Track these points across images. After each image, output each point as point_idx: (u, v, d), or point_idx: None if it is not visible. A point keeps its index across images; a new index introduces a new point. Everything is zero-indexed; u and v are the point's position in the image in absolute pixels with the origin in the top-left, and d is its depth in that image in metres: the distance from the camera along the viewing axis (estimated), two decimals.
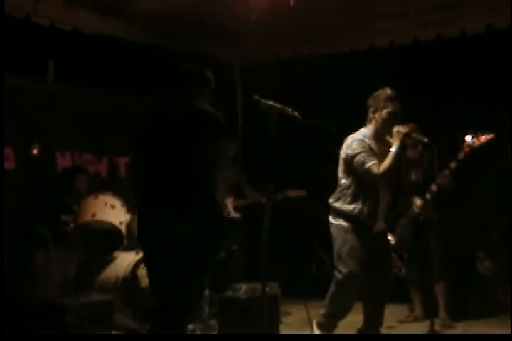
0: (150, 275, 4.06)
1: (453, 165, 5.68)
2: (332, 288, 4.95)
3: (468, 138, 5.51)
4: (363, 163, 4.69)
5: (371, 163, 4.67)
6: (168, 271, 3.88)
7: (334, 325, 5.04)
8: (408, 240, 5.97)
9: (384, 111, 4.80)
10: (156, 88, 4.17)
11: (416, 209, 5.99)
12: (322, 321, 5.04)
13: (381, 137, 4.89)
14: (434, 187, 5.80)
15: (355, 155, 4.74)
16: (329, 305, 4.98)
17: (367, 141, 4.81)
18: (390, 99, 4.79)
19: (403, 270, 6.06)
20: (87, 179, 6.39)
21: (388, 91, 4.82)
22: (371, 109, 4.87)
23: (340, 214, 4.89)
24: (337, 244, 4.91)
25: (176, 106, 4.06)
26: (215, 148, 3.89)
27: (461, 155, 5.59)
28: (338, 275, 4.88)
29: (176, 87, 4.13)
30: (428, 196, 5.82)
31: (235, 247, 6.17)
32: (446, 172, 5.72)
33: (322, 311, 5.05)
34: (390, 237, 5.47)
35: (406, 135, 4.73)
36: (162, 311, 3.92)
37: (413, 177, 6.14)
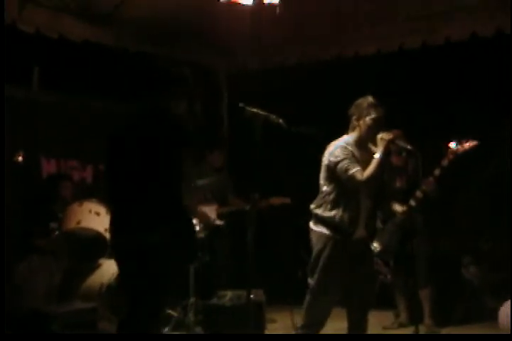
0: (119, 285, 4.07)
1: (437, 172, 5.71)
2: (307, 297, 4.92)
3: (452, 145, 5.55)
4: (347, 170, 4.70)
5: (355, 170, 4.68)
6: (133, 282, 3.88)
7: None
8: (394, 246, 5.98)
9: (368, 118, 4.80)
10: (139, 94, 4.11)
11: (398, 216, 6.00)
12: (301, 333, 4.99)
13: (364, 144, 4.89)
14: (419, 194, 5.82)
15: (339, 162, 4.74)
16: (306, 315, 4.94)
17: (349, 148, 4.81)
18: (372, 105, 4.80)
19: (389, 276, 6.09)
20: (72, 186, 6.39)
21: (370, 98, 4.83)
22: (354, 117, 4.86)
23: (321, 220, 4.88)
24: (316, 250, 4.89)
25: (143, 115, 4.00)
26: (181, 158, 3.88)
27: (444, 162, 5.63)
28: (312, 285, 4.88)
29: (150, 91, 4.05)
30: (413, 202, 5.84)
31: (207, 258, 6.16)
32: (431, 179, 5.75)
33: (300, 323, 5.00)
34: (375, 244, 5.48)
35: (390, 142, 4.74)
36: (125, 321, 3.94)
37: (397, 184, 6.17)
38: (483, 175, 6.94)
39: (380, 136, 4.74)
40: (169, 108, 4.00)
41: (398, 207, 5.97)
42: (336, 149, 4.80)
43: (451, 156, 5.57)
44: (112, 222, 4.02)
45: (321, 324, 4.96)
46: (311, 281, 4.90)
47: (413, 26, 6.65)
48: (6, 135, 6.34)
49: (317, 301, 4.88)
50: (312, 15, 6.64)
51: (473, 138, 5.52)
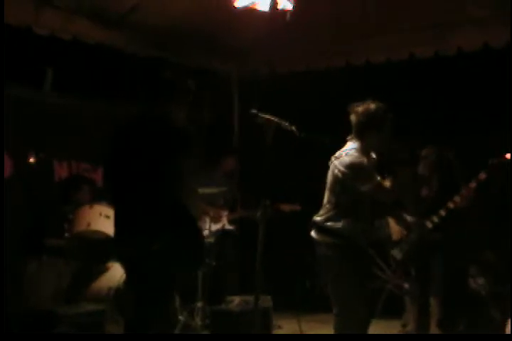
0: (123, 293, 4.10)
1: (473, 184, 5.59)
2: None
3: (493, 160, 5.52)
4: (370, 179, 4.59)
5: (377, 180, 4.60)
6: (136, 287, 3.93)
7: None
8: (416, 256, 5.90)
9: (375, 128, 4.77)
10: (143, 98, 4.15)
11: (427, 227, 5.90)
12: None
13: (369, 152, 4.83)
14: (450, 205, 5.74)
15: (358, 172, 4.61)
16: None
17: (361, 156, 4.73)
18: (380, 115, 4.77)
19: (406, 285, 6.00)
20: (91, 190, 6.38)
21: (378, 107, 4.78)
22: (362, 126, 4.80)
23: (328, 232, 4.71)
24: (333, 265, 4.66)
25: (145, 120, 4.04)
26: (181, 162, 3.89)
27: (482, 176, 5.55)
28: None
29: (152, 96, 4.08)
30: (443, 213, 5.76)
31: (214, 263, 6.16)
32: (465, 191, 5.64)
33: None
34: (395, 252, 5.44)
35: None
36: (128, 325, 4.00)
37: (424, 193, 6.09)
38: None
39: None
40: (170, 113, 4.02)
41: (410, 219, 5.83)
42: (351, 161, 4.65)
43: (481, 178, 5.53)
44: (116, 227, 4.02)
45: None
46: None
47: (423, 36, 6.67)
48: (17, 136, 6.40)
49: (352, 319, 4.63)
50: (322, 22, 6.66)
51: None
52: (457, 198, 5.66)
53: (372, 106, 4.77)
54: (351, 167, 4.61)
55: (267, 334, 5.31)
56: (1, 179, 5.87)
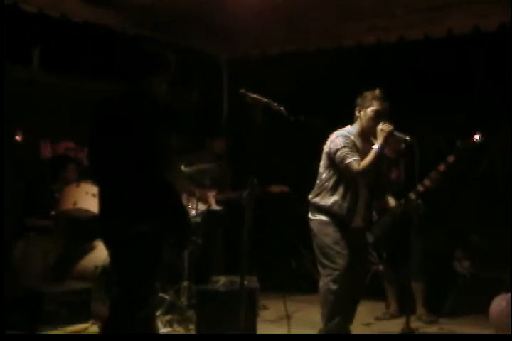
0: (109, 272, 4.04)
1: (442, 167, 5.61)
2: (329, 298, 4.85)
3: (459, 143, 5.53)
4: (344, 158, 4.73)
5: (352, 159, 4.72)
6: (122, 268, 3.89)
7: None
8: (387, 238, 5.99)
9: (369, 110, 4.87)
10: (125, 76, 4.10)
11: (392, 209, 5.95)
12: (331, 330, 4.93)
13: (366, 135, 4.95)
14: (420, 188, 5.78)
15: (338, 149, 4.79)
16: (332, 313, 4.87)
17: (351, 137, 4.87)
18: (376, 98, 4.85)
19: (381, 267, 6.12)
20: (77, 169, 6.36)
21: (376, 91, 4.88)
22: (357, 108, 4.93)
23: (319, 209, 4.92)
24: (318, 239, 4.91)
25: (128, 95, 3.97)
26: (165, 141, 3.83)
27: (451, 159, 5.57)
28: (332, 285, 4.81)
29: (133, 72, 4.04)
30: (412, 195, 5.81)
31: (199, 241, 6.17)
32: (434, 174, 5.68)
33: (323, 328, 4.96)
34: (368, 235, 5.50)
35: (389, 133, 4.76)
36: (114, 304, 3.95)
37: (392, 176, 6.17)
38: (476, 170, 6.95)
39: (379, 127, 4.77)
40: (150, 89, 3.96)
41: (392, 201, 5.90)
42: (338, 137, 4.85)
43: (450, 160, 5.56)
44: (100, 207, 3.98)
45: (350, 319, 4.99)
46: (323, 271, 4.89)
47: (415, 18, 6.65)
48: (5, 115, 6.34)
49: (339, 298, 4.82)
50: (313, 4, 6.62)
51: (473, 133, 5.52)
52: (426, 181, 5.71)
53: (368, 91, 4.86)
54: (335, 144, 4.81)
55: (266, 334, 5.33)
56: (1, 177, 5.83)
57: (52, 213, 5.88)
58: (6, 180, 5.63)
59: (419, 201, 5.73)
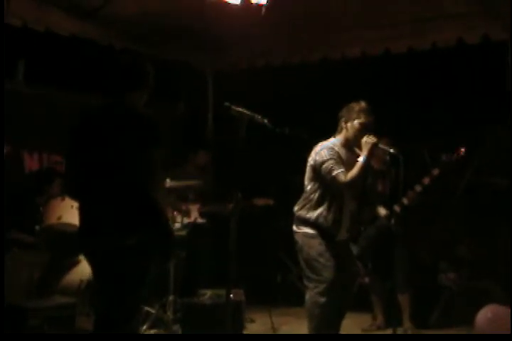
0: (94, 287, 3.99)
1: (418, 188, 5.76)
2: (316, 311, 4.81)
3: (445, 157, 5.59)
4: (331, 171, 4.73)
5: (339, 171, 4.71)
6: (107, 284, 3.83)
7: None
8: (373, 250, 6.00)
9: (356, 122, 4.86)
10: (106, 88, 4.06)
11: (380, 220, 5.99)
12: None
13: (350, 147, 4.95)
14: (405, 200, 5.81)
15: (324, 161, 4.77)
16: (317, 331, 4.83)
17: (336, 148, 4.86)
18: (364, 111, 4.85)
19: (366, 279, 6.12)
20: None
21: (363, 103, 4.89)
22: (343, 119, 4.93)
23: (304, 221, 4.90)
24: (304, 252, 4.88)
25: (111, 108, 3.91)
26: (151, 155, 3.75)
27: (426, 181, 5.70)
28: (319, 298, 4.76)
29: (113, 85, 3.98)
30: (397, 208, 5.82)
31: (183, 254, 6.14)
32: (411, 194, 5.77)
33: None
34: (353, 247, 5.49)
35: (374, 145, 4.77)
36: (98, 322, 3.89)
37: (379, 188, 6.18)
38: (461, 181, 6.97)
39: (364, 139, 4.77)
40: (130, 101, 3.90)
41: (382, 211, 5.95)
42: (323, 149, 4.84)
43: (434, 174, 5.62)
44: (82, 221, 3.91)
45: (337, 332, 4.94)
46: (310, 284, 4.86)
47: (399, 31, 6.68)
48: None
49: (326, 308, 4.79)
50: (299, 17, 6.63)
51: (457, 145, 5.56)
52: (411, 193, 5.73)
53: (353, 103, 4.88)
54: (320, 156, 4.81)
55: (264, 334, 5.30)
56: (1, 178, 5.80)
57: (37, 227, 5.84)
58: None
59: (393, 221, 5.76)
